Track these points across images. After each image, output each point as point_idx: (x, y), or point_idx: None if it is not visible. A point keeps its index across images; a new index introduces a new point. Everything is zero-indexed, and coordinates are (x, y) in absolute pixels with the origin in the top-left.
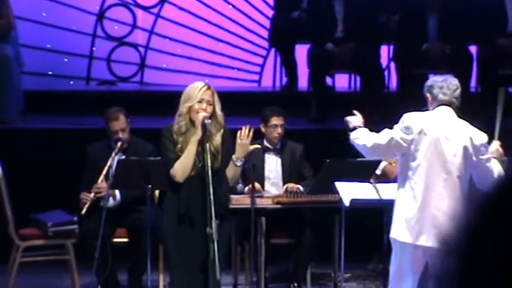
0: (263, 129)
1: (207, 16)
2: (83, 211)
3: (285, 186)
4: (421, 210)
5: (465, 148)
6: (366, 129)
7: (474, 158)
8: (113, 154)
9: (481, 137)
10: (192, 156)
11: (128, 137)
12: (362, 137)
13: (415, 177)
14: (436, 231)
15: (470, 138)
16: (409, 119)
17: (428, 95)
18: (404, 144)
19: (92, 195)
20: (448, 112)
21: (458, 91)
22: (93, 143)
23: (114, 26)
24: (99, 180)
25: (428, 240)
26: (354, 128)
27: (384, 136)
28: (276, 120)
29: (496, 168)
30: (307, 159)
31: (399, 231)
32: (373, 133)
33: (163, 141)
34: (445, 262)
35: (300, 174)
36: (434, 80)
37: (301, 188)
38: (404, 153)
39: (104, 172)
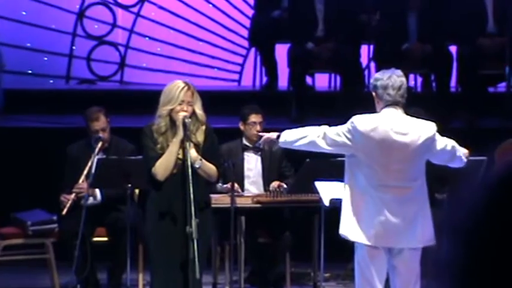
0: (242, 128)
1: (187, 15)
2: (64, 211)
3: (271, 185)
4: (378, 213)
5: (416, 147)
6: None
7: (429, 153)
8: (94, 154)
9: (430, 130)
10: (174, 156)
11: (109, 136)
12: (296, 135)
13: (367, 182)
14: (395, 232)
15: (419, 136)
16: (358, 121)
17: (373, 93)
18: (349, 143)
19: (72, 195)
20: (395, 113)
21: (404, 88)
22: (73, 143)
23: (94, 25)
24: (80, 180)
25: (389, 242)
26: (278, 137)
27: (329, 132)
28: (254, 118)
29: (450, 143)
30: (288, 159)
31: (361, 234)
32: (304, 129)
33: (144, 139)
34: (453, 249)
35: (281, 173)
36: (378, 78)
37: (285, 186)
38: (351, 155)
39: (85, 172)
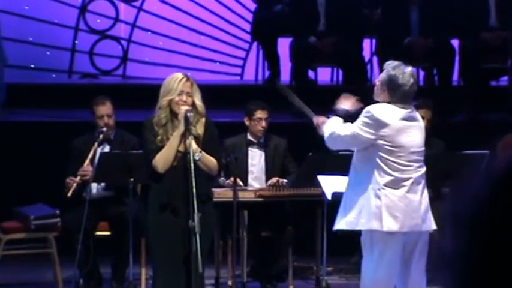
0: (247, 123)
1: (189, 9)
2: (69, 193)
3: (269, 181)
4: (399, 197)
5: (423, 131)
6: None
7: None
8: (96, 144)
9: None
10: (174, 149)
11: (114, 124)
12: (332, 127)
13: (388, 167)
14: (415, 216)
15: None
16: (377, 112)
17: (385, 87)
18: (373, 137)
19: (77, 178)
20: (408, 106)
21: None
22: (78, 137)
23: (97, 19)
24: (85, 164)
25: (409, 226)
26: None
27: (347, 129)
28: (260, 114)
29: None
30: (291, 154)
31: (381, 221)
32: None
33: (145, 132)
34: (456, 242)
35: (285, 169)
36: (403, 83)
37: (284, 180)
38: (376, 145)
39: (90, 156)
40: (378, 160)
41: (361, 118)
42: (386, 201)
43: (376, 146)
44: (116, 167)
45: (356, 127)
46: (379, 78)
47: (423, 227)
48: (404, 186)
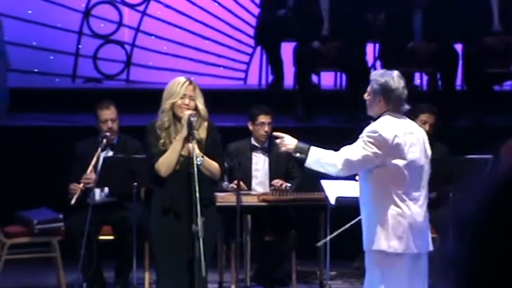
0: (251, 127)
1: (193, 14)
2: (73, 201)
3: (272, 182)
4: (405, 218)
5: (425, 149)
6: (316, 149)
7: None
8: (99, 150)
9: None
10: (177, 153)
11: (117, 129)
12: (325, 158)
13: (395, 185)
14: (418, 237)
15: (424, 138)
16: (384, 131)
17: (380, 96)
18: (383, 155)
19: (81, 185)
20: (404, 117)
21: None
22: (81, 141)
23: (100, 23)
24: (88, 171)
25: (414, 248)
26: (299, 151)
27: (356, 153)
28: (263, 118)
29: None
30: (295, 160)
31: (388, 242)
32: (331, 151)
33: (148, 137)
34: (459, 246)
35: (289, 173)
36: (394, 87)
37: (288, 185)
38: (382, 164)
39: (93, 163)
40: (385, 179)
41: (369, 139)
42: (393, 222)
43: (384, 164)
44: (120, 171)
45: (367, 150)
46: (368, 92)
47: (424, 248)
48: (410, 207)
